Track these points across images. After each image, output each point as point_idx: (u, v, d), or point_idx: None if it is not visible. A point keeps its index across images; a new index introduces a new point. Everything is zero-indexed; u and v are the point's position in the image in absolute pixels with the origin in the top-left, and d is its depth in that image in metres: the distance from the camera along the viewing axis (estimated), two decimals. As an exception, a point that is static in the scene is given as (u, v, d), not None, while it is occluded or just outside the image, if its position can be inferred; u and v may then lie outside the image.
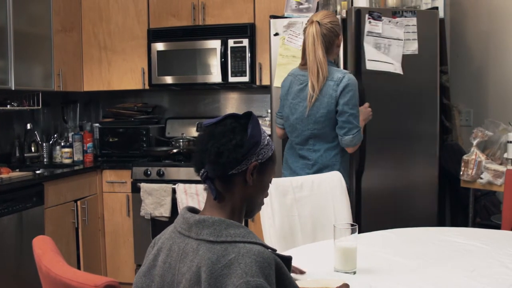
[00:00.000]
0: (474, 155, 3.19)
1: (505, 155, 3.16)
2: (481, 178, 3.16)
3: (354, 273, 1.89)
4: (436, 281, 1.81)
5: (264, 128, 3.97)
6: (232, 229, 1.34)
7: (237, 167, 1.39)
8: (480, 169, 3.16)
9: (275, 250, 1.36)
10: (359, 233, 1.95)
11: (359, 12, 3.20)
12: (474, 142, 3.23)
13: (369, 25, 3.20)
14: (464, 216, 3.70)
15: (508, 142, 3.12)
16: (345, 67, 3.29)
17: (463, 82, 4.01)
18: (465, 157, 3.26)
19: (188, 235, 1.37)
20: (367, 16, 3.19)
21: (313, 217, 2.55)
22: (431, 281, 1.80)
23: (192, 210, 1.47)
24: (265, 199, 2.40)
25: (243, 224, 1.45)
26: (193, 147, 1.48)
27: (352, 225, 1.92)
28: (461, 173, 3.26)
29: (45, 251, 1.30)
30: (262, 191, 1.47)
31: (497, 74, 3.86)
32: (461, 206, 3.79)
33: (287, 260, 1.41)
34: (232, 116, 1.44)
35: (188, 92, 4.66)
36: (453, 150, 3.70)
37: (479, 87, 3.95)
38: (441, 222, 3.91)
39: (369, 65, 3.20)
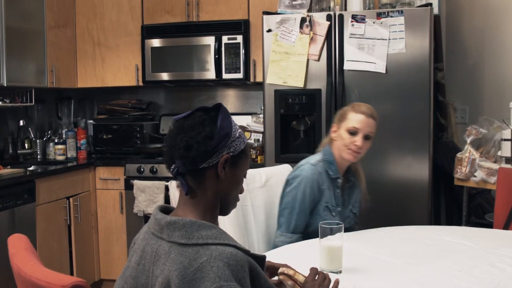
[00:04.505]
0: (468, 153, 3.16)
1: (499, 153, 3.13)
2: (475, 176, 3.13)
3: (340, 272, 1.87)
4: (423, 280, 1.78)
5: (257, 125, 4.01)
6: (204, 231, 1.31)
7: (208, 160, 1.35)
8: (473, 167, 3.13)
9: (249, 251, 1.33)
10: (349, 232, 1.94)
11: (341, 16, 3.27)
12: (468, 140, 3.20)
13: (352, 28, 3.23)
14: (459, 214, 3.67)
15: (502, 139, 3.09)
16: (328, 70, 3.31)
17: (459, 79, 3.98)
18: (458, 155, 3.23)
19: (161, 237, 1.34)
20: (350, 19, 3.24)
21: (265, 207, 2.62)
22: (418, 281, 1.78)
23: (165, 209, 1.44)
24: None
25: (217, 223, 1.43)
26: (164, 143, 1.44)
27: (337, 223, 1.89)
28: (455, 171, 3.23)
29: (18, 250, 1.28)
30: (235, 185, 1.44)
31: (493, 71, 3.82)
32: (457, 204, 3.76)
33: (261, 259, 1.38)
34: (202, 109, 1.40)
35: (183, 89, 4.63)
36: (448, 148, 3.67)
37: (474, 84, 3.92)
38: (436, 221, 3.89)
39: (348, 65, 3.24)
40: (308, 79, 3.34)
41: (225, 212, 1.47)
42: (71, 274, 3.77)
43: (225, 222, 2.58)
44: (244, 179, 1.48)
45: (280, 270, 1.63)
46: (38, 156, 4.25)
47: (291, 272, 1.63)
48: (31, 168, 3.82)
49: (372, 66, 3.20)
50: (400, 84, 3.21)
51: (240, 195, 2.61)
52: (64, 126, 4.53)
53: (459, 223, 3.56)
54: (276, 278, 1.66)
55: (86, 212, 3.98)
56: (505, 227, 2.62)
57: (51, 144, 4.28)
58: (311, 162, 2.42)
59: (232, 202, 1.47)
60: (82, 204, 3.89)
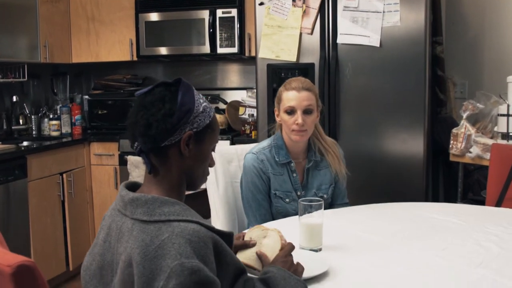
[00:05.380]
0: (464, 128, 3.09)
1: (496, 129, 3.06)
2: (470, 152, 3.06)
3: (320, 250, 1.83)
4: (403, 259, 1.74)
5: (252, 100, 3.94)
6: (167, 207, 1.27)
7: (170, 138, 1.31)
8: (469, 142, 3.06)
9: (213, 228, 1.29)
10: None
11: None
12: (464, 115, 3.12)
13: (346, 0, 3.14)
14: (457, 191, 3.62)
15: (498, 115, 3.01)
16: (322, 44, 3.23)
17: (459, 53, 3.88)
18: (454, 130, 3.16)
19: (125, 214, 1.31)
20: (344, -9, 3.16)
21: None
22: (398, 260, 1.73)
23: (130, 186, 1.41)
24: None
25: (183, 199, 1.39)
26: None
27: (317, 200, 1.84)
28: (450, 146, 3.17)
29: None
30: (201, 161, 1.39)
31: (494, 43, 3.72)
32: (455, 180, 3.70)
33: (228, 236, 1.35)
34: (162, 84, 1.35)
35: (180, 64, 4.57)
36: (447, 124, 3.59)
37: (474, 57, 3.82)
38: (435, 197, 3.84)
39: (341, 39, 3.16)
40: (301, 53, 3.27)
41: (193, 188, 1.43)
42: (66, 249, 3.78)
43: (215, 199, 2.56)
44: (214, 153, 1.44)
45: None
46: (33, 132, 4.24)
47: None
48: (25, 144, 3.80)
49: (366, 39, 3.12)
50: (395, 58, 3.13)
51: (230, 172, 2.60)
52: (60, 101, 4.50)
53: (456, 200, 3.51)
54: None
55: (81, 187, 3.96)
56: (497, 204, 2.56)
57: (46, 120, 4.26)
58: (252, 151, 2.33)
59: (199, 178, 1.42)
60: (76, 180, 3.87)
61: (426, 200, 3.25)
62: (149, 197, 1.29)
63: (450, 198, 3.81)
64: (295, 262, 1.52)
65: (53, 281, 3.64)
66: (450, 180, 3.84)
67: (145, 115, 1.30)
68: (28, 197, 3.41)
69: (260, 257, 1.53)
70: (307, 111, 2.23)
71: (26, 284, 1.06)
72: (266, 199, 2.30)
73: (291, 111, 2.24)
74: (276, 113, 2.34)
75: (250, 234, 1.64)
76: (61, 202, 3.74)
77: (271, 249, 1.55)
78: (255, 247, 1.57)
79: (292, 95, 2.24)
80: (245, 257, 1.57)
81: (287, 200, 2.30)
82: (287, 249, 1.54)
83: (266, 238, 1.58)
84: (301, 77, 2.35)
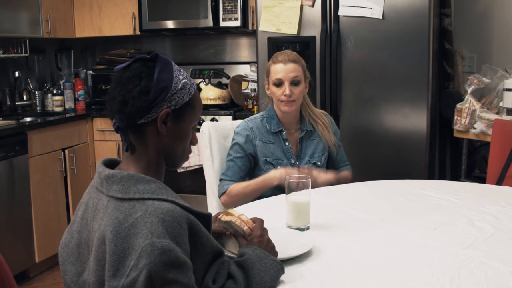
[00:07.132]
0: (468, 103, 3.00)
1: (501, 104, 2.96)
2: (474, 128, 2.97)
3: (308, 228, 1.79)
4: (391, 239, 1.69)
5: (255, 74, 3.87)
6: (142, 185, 1.25)
7: (146, 115, 1.27)
8: (473, 118, 2.98)
9: (189, 208, 1.26)
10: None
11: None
12: (469, 90, 3.03)
13: None
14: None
15: (504, 89, 2.91)
16: (323, 16, 3.16)
17: (467, 25, 3.76)
18: (458, 105, 3.07)
19: (101, 191, 1.29)
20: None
21: None
22: (385, 240, 1.68)
23: (109, 163, 1.38)
24: (202, 143, 2.35)
25: (162, 177, 1.36)
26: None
27: (305, 178, 1.80)
28: (454, 122, 3.08)
29: None
30: (180, 140, 1.35)
31: (503, 16, 3.60)
32: (462, 157, 3.62)
33: (205, 217, 1.31)
34: (140, 59, 1.31)
35: (185, 38, 4.50)
36: (454, 98, 3.50)
37: (483, 30, 3.70)
38: (441, 174, 3.77)
39: (343, 11, 3.08)
40: (302, 26, 3.20)
41: (173, 166, 1.40)
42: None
43: (210, 175, 2.54)
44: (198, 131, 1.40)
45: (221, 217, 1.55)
46: (38, 108, 4.23)
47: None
48: (27, 120, 3.79)
49: (368, 11, 3.04)
50: (398, 30, 3.05)
51: (226, 147, 2.56)
52: (64, 77, 4.47)
53: (461, 177, 3.43)
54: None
55: (84, 163, 3.96)
56: (498, 182, 2.48)
57: (49, 95, 4.24)
58: (245, 119, 2.44)
59: (179, 156, 1.39)
60: (79, 155, 3.86)
61: (430, 177, 3.19)
62: (124, 174, 1.27)
63: (457, 175, 3.73)
64: (277, 240, 1.49)
65: (56, 258, 3.66)
66: (457, 157, 3.75)
67: (121, 92, 1.27)
68: (29, 173, 3.41)
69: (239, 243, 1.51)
70: (294, 82, 2.33)
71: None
72: (243, 162, 2.36)
73: (279, 83, 2.33)
74: (266, 86, 2.43)
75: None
76: (63, 178, 3.74)
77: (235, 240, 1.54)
78: (231, 238, 1.55)
79: (279, 68, 2.33)
80: (229, 247, 1.55)
81: (278, 167, 2.36)
82: (258, 226, 1.50)
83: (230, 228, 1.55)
84: (287, 50, 2.43)
